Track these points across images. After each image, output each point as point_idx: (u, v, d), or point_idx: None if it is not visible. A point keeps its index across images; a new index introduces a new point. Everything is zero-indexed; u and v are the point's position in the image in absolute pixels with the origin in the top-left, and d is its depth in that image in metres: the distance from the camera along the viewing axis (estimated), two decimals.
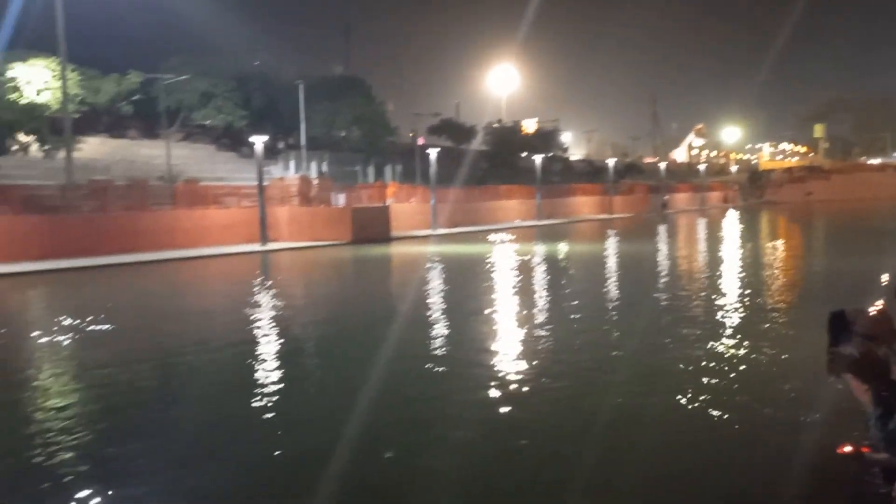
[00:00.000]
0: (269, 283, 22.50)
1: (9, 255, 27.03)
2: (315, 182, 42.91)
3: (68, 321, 14.81)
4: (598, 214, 67.91)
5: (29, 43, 34.62)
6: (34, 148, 34.10)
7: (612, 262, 27.04)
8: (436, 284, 21.17)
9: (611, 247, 34.68)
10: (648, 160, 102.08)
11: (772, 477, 6.20)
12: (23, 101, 32.97)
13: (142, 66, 42.12)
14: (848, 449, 5.59)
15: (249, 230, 35.20)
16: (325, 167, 56.12)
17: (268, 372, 10.45)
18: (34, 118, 32.93)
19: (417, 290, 19.23)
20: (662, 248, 33.53)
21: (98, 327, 14.15)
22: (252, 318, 15.01)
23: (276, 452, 7.01)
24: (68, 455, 7.07)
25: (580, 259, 29.72)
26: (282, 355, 11.74)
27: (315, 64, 65.53)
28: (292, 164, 54.75)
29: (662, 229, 47.61)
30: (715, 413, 7.83)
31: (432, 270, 24.92)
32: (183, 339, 13.05)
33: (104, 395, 9.34)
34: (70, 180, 32.45)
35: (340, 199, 41.86)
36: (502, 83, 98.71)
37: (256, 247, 33.86)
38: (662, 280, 20.81)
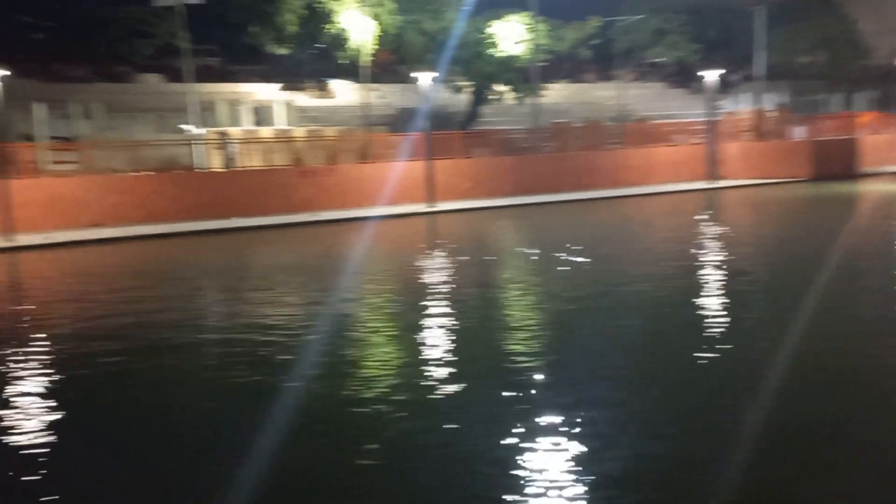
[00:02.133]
0: (722, 221, 22.44)
1: (488, 191, 31.67)
2: (771, 115, 40.36)
3: (554, 246, 17.17)
4: None
5: (501, 1, 39.14)
6: (508, 96, 38.84)
7: None
8: None
9: None
10: None
11: None
12: (499, 55, 37.63)
13: (600, 11, 44.26)
14: None
15: (697, 167, 35.07)
16: (783, 98, 52.10)
17: (712, 316, 10.90)
18: (509, 69, 37.44)
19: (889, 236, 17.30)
20: None
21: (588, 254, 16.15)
22: (701, 257, 15.44)
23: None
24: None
25: None
26: (731, 299, 12.00)
27: None
28: (745, 96, 52.06)
29: None
30: None
31: None
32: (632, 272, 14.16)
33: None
34: (536, 124, 36.32)
35: (799, 132, 38.72)
36: None
37: (704, 184, 33.64)
38: None
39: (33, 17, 43.47)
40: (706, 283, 12.93)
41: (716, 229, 20.10)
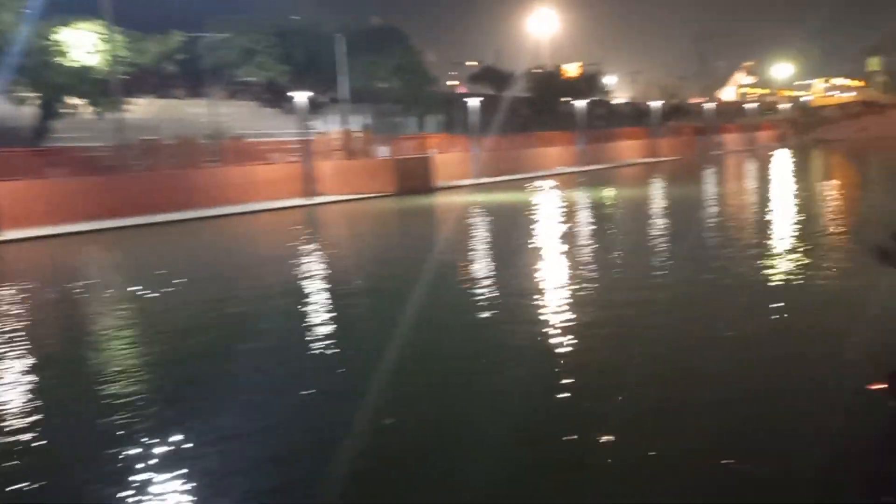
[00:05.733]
0: (321, 235, 23.06)
1: (68, 216, 28.02)
2: (357, 135, 43.18)
3: (140, 276, 15.57)
4: (644, 158, 66.86)
5: (70, 7, 35.05)
6: (85, 110, 34.98)
7: (653, 206, 26.91)
8: (481, 232, 21.45)
9: (652, 190, 34.44)
10: (695, 100, 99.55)
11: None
12: (72, 65, 33.66)
13: (183, 26, 42.46)
14: (881, 385, 5.77)
15: (295, 185, 35.82)
16: (367, 120, 56.26)
17: (319, 315, 10.98)
18: (83, 81, 33.72)
19: (461, 239, 19.56)
20: (709, 189, 33.26)
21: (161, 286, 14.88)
22: (306, 269, 15.57)
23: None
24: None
25: (620, 202, 29.65)
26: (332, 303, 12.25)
27: (354, 16, 64.48)
28: (333, 117, 54.97)
29: (711, 171, 47.08)
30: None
31: (476, 219, 25.18)
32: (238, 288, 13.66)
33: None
34: (121, 140, 33.32)
35: (384, 151, 42.11)
36: (542, 27, 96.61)
37: (303, 200, 34.49)
38: (710, 223, 20.76)
39: None
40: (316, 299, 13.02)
41: (316, 243, 20.58)
